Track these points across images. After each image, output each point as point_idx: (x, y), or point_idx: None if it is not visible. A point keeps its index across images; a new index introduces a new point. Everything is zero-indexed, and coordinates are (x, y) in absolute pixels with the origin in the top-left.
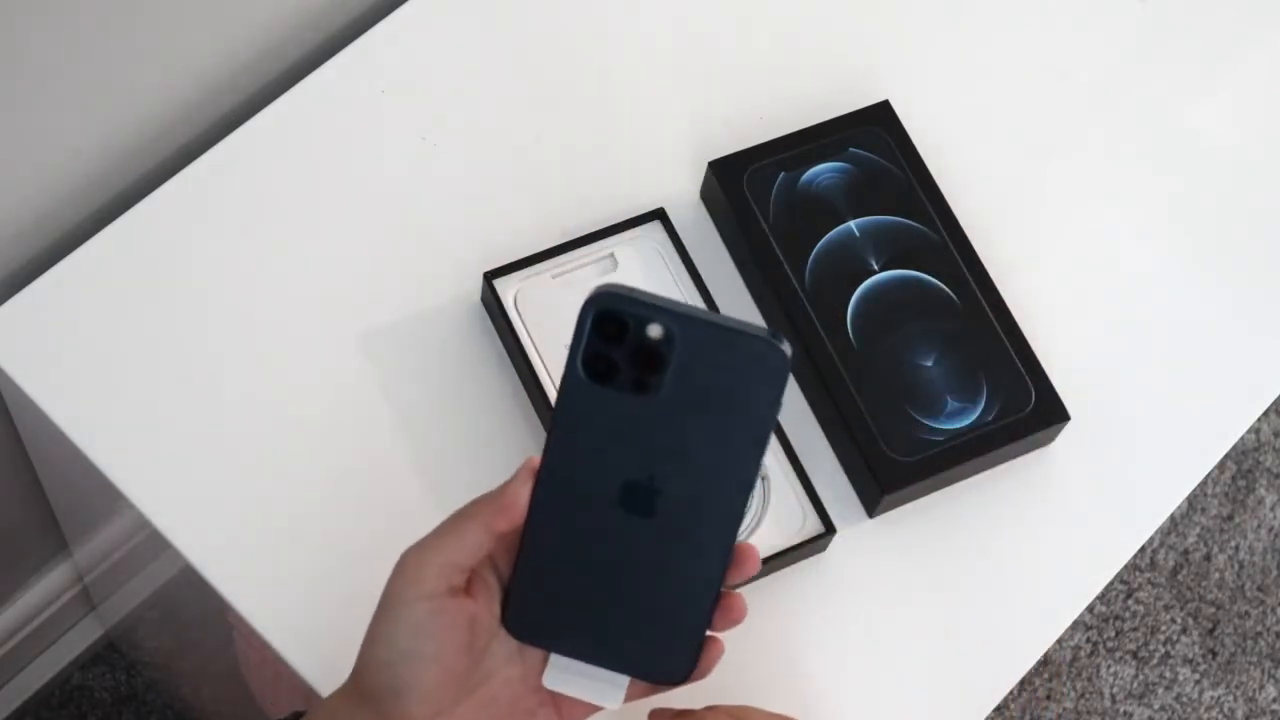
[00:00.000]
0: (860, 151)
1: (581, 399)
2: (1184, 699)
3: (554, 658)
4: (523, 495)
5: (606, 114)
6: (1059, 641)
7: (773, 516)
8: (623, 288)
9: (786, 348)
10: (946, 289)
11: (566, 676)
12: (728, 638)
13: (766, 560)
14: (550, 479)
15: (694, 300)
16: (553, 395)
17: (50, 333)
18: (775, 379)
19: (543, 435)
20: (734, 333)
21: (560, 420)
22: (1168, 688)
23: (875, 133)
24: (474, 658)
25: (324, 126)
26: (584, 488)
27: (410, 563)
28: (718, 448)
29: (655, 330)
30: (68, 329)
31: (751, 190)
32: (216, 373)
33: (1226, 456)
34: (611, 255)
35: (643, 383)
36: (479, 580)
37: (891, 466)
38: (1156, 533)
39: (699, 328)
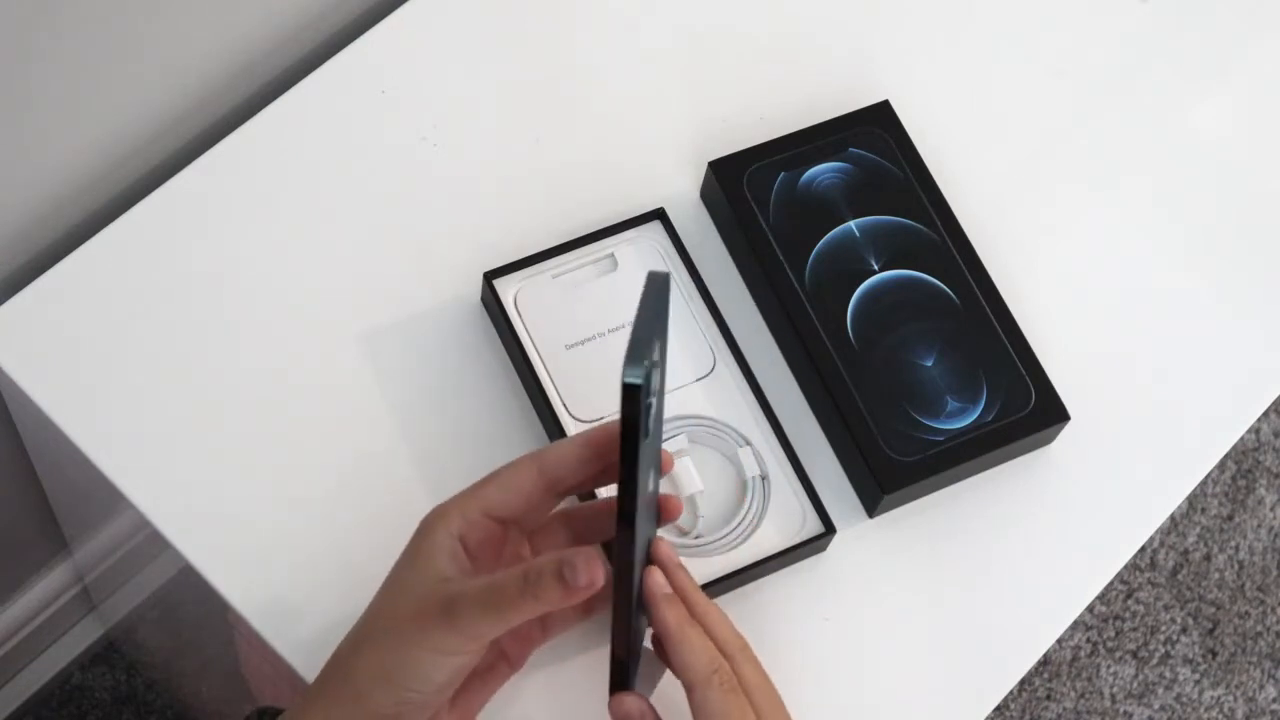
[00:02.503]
0: (860, 151)
1: (642, 457)
2: (1184, 699)
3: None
4: (584, 596)
5: (606, 114)
6: (1059, 641)
7: (773, 516)
8: (629, 353)
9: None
10: (946, 289)
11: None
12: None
13: (766, 560)
14: (625, 546)
15: (694, 298)
16: (553, 394)
17: (50, 333)
18: (666, 292)
19: (543, 435)
20: (648, 292)
21: (633, 492)
22: (1168, 688)
23: (875, 133)
24: None
25: (324, 126)
26: (644, 525)
27: (472, 630)
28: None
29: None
30: (68, 329)
31: (751, 190)
32: (216, 372)
33: (1226, 456)
34: (611, 255)
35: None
36: None
37: (891, 466)
38: (1156, 533)
39: (649, 311)
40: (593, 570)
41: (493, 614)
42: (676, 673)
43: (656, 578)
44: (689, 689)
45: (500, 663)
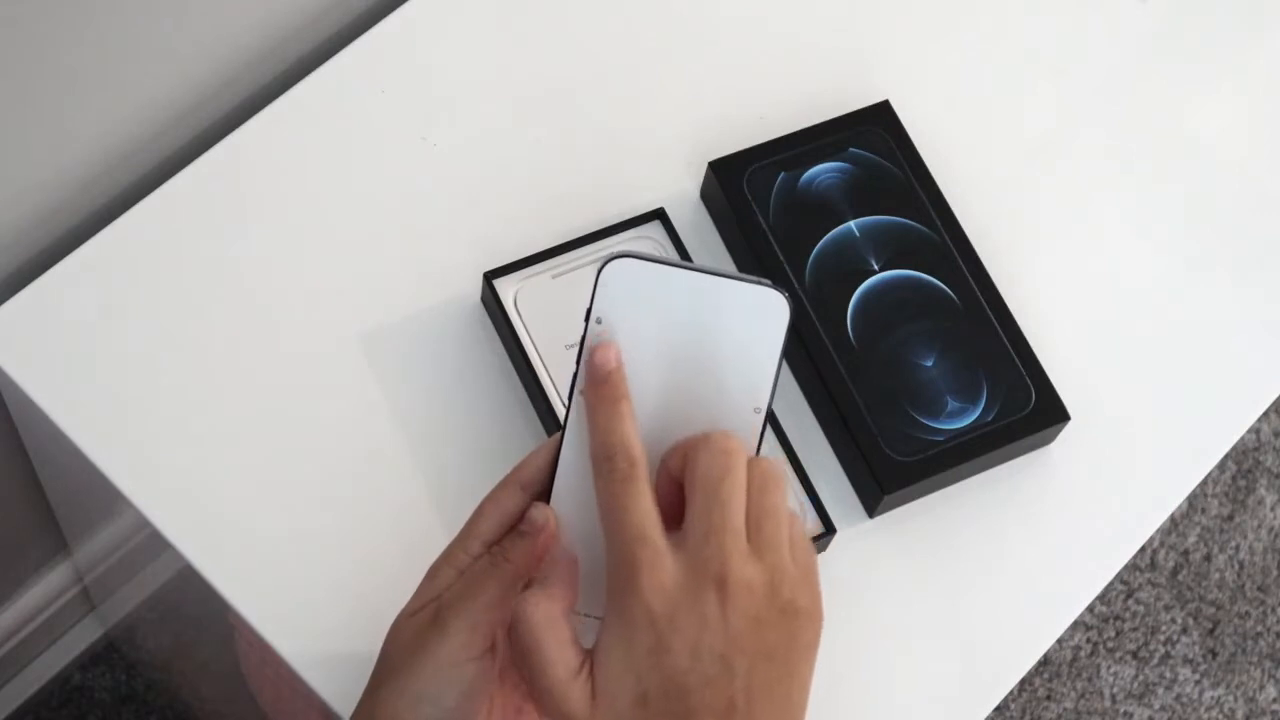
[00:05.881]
0: (860, 151)
1: None
2: (1184, 699)
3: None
4: (547, 541)
5: (606, 114)
6: (1059, 641)
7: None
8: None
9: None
10: (946, 289)
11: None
12: None
13: None
14: None
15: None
16: (553, 394)
17: (50, 333)
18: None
19: (542, 434)
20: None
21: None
22: (1168, 688)
23: (875, 133)
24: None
25: (324, 126)
26: None
27: (460, 626)
28: None
29: None
30: (68, 329)
31: (751, 190)
32: (216, 372)
33: (1226, 456)
34: None
35: None
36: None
37: (891, 466)
38: (1156, 533)
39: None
40: (544, 513)
41: (474, 597)
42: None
43: (608, 353)
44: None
45: (529, 703)
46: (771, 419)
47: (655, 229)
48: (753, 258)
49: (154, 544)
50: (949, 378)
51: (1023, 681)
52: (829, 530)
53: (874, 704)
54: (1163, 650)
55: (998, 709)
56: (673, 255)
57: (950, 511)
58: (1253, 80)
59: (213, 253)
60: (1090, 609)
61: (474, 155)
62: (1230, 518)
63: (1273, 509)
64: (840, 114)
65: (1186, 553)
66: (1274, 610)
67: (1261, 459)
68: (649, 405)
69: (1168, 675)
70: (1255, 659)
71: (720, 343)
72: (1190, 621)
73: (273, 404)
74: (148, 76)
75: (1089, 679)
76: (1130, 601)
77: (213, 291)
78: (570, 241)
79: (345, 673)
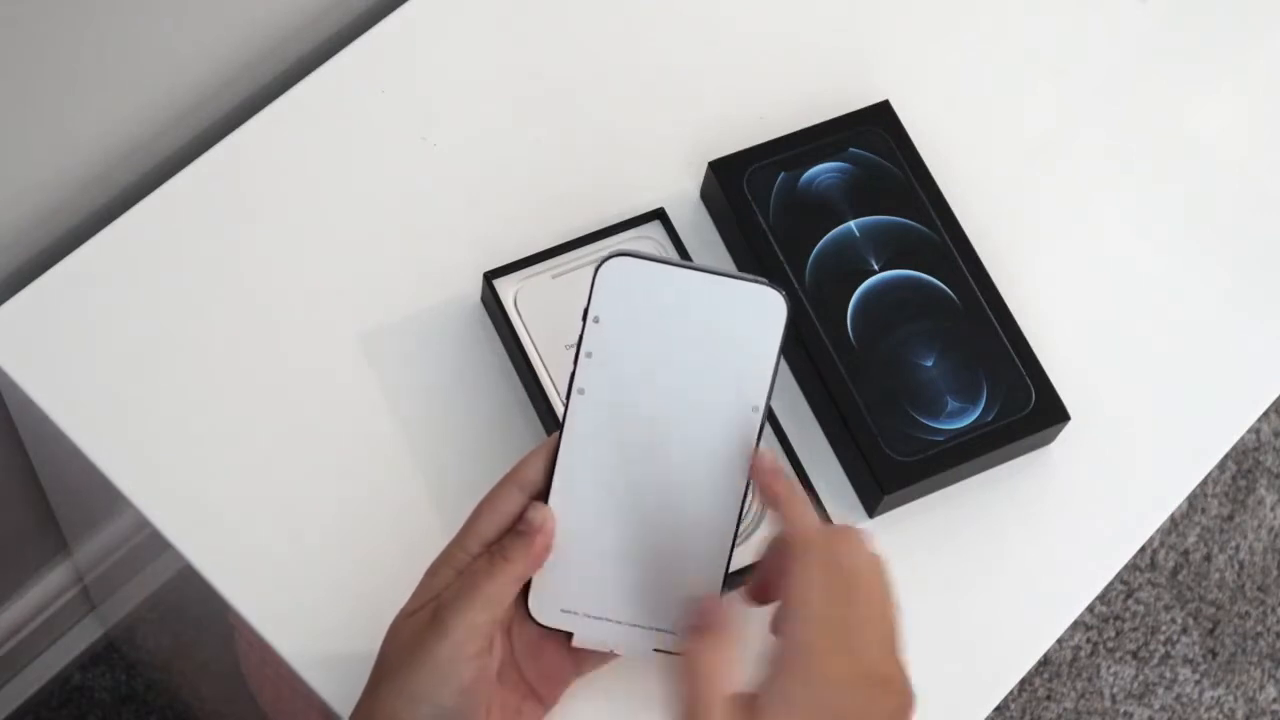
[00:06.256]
0: (860, 151)
1: None
2: (1184, 699)
3: None
4: (545, 541)
5: (606, 114)
6: (1059, 641)
7: (773, 517)
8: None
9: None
10: (946, 289)
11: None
12: None
13: None
14: None
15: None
16: (553, 395)
17: (50, 333)
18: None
19: (542, 434)
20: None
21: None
22: (1168, 688)
23: (875, 133)
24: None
25: (324, 126)
26: None
27: (458, 625)
28: None
29: None
30: (68, 329)
31: (751, 190)
32: (216, 373)
33: (1226, 456)
34: None
35: None
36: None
37: (891, 466)
38: (1156, 533)
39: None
40: (542, 513)
41: (473, 597)
42: (793, 529)
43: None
44: (799, 547)
45: (528, 702)
46: (771, 419)
47: (655, 229)
48: (753, 258)
49: (154, 544)
50: (949, 378)
51: (1023, 681)
52: None
53: None
54: (1163, 650)
55: (998, 709)
56: (673, 255)
57: (950, 511)
58: (1253, 80)
59: (213, 253)
60: (1090, 609)
61: (474, 155)
62: (1230, 518)
63: (1273, 509)
64: (840, 114)
65: (1186, 553)
66: (1274, 610)
67: (1261, 459)
68: (646, 404)
69: (1168, 675)
70: (1255, 659)
71: (718, 341)
72: (1190, 621)
73: (273, 404)
74: (148, 76)
75: (1089, 679)
76: (1130, 601)
77: (213, 291)
78: (570, 241)
79: (345, 673)
